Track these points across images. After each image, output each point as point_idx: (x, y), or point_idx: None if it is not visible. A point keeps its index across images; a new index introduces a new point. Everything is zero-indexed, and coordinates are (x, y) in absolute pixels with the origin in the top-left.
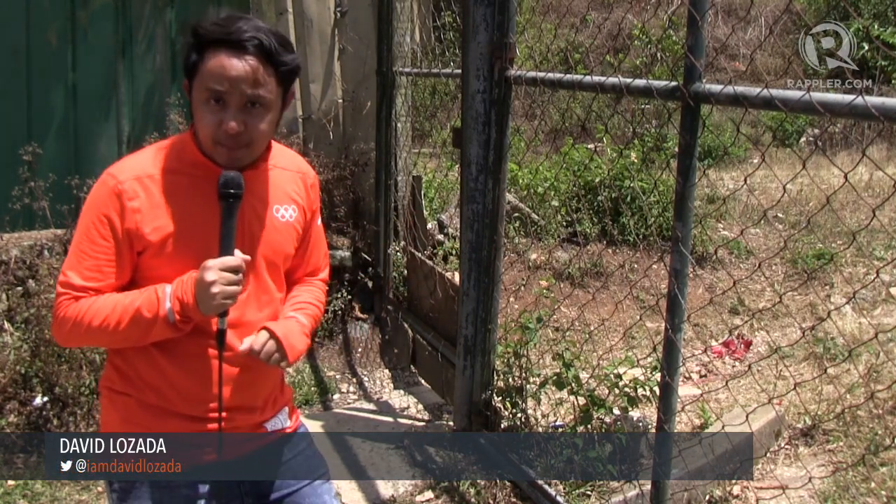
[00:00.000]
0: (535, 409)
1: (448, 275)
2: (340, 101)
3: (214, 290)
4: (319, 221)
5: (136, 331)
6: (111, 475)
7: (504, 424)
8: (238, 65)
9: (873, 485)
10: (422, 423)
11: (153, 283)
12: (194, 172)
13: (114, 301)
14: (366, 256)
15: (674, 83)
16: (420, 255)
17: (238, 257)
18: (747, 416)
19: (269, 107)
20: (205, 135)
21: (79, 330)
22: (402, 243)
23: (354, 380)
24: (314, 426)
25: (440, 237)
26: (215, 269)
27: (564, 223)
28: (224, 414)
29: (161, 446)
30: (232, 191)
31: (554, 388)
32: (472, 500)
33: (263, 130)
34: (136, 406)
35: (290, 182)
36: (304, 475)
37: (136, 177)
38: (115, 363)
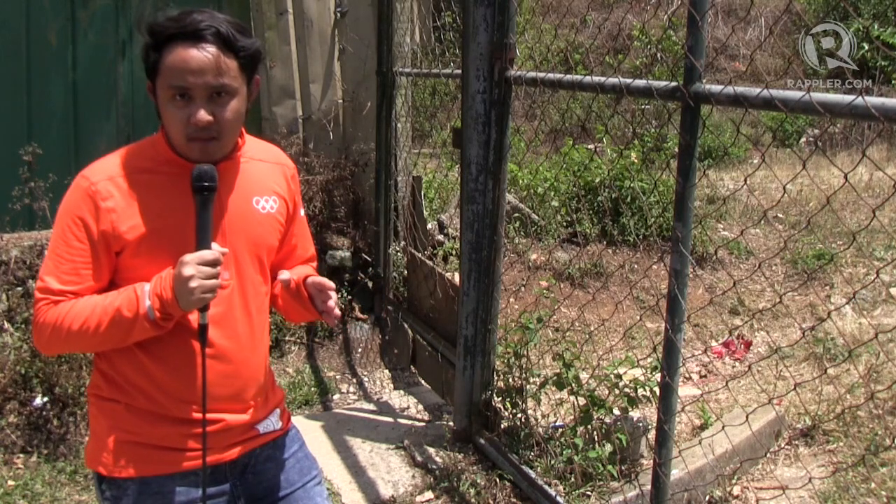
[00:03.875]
0: (535, 410)
1: (448, 275)
2: (340, 101)
3: (193, 284)
4: (303, 212)
5: (118, 332)
6: (103, 478)
7: (504, 425)
8: (198, 55)
9: (873, 485)
10: (422, 424)
11: (133, 284)
12: (168, 171)
13: (93, 303)
14: (366, 257)
15: (674, 83)
16: (420, 255)
17: (215, 250)
18: (747, 417)
19: (234, 94)
20: (176, 133)
21: (59, 335)
22: (403, 243)
23: (354, 380)
24: (314, 426)
25: (440, 237)
26: (192, 264)
27: (564, 223)
28: (212, 415)
29: (151, 449)
30: (206, 183)
31: (554, 389)
32: (472, 500)
33: (232, 119)
34: (124, 412)
35: (269, 173)
36: (296, 478)
37: (109, 177)
38: (101, 369)
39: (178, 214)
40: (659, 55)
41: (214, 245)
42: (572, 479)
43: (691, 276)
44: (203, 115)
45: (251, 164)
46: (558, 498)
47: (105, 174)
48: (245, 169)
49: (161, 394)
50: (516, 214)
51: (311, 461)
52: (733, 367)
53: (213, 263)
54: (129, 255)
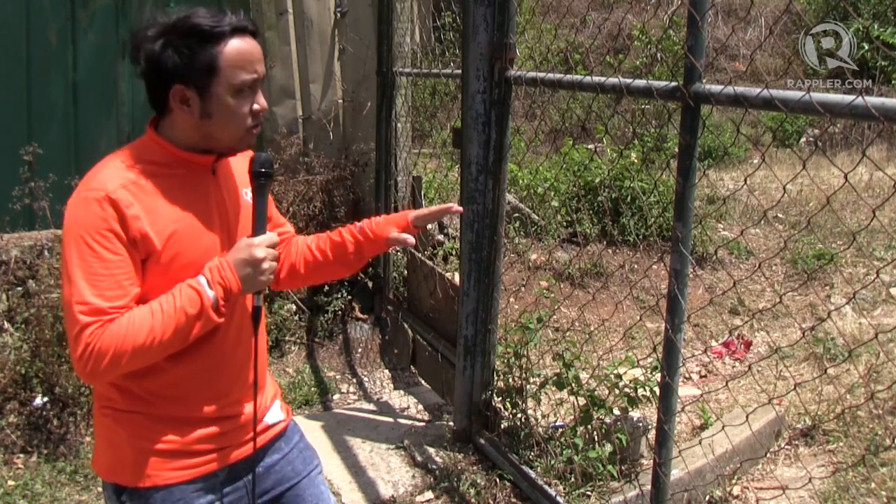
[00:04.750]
0: (535, 410)
1: (448, 275)
2: (340, 101)
3: (265, 265)
4: None
5: (183, 332)
6: (124, 490)
7: (504, 425)
8: (254, 47)
9: (873, 485)
10: (422, 424)
11: (162, 289)
12: (176, 171)
13: (148, 312)
14: None
15: (674, 83)
16: (420, 255)
17: (275, 234)
18: (747, 417)
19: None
20: (237, 126)
21: (122, 356)
22: None
23: (354, 380)
24: (314, 426)
25: (440, 237)
26: (263, 246)
27: (564, 223)
28: (235, 409)
29: (175, 457)
30: (263, 170)
31: (554, 389)
32: (472, 500)
33: None
34: (146, 421)
35: (244, 164)
36: (301, 467)
37: (123, 185)
38: (112, 382)
39: (198, 211)
40: (659, 55)
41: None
42: (572, 479)
43: (691, 276)
44: (265, 101)
45: (235, 156)
46: (558, 498)
47: (117, 183)
48: (230, 161)
49: (185, 396)
50: (516, 214)
51: (311, 451)
52: (733, 367)
53: (276, 246)
54: (156, 259)
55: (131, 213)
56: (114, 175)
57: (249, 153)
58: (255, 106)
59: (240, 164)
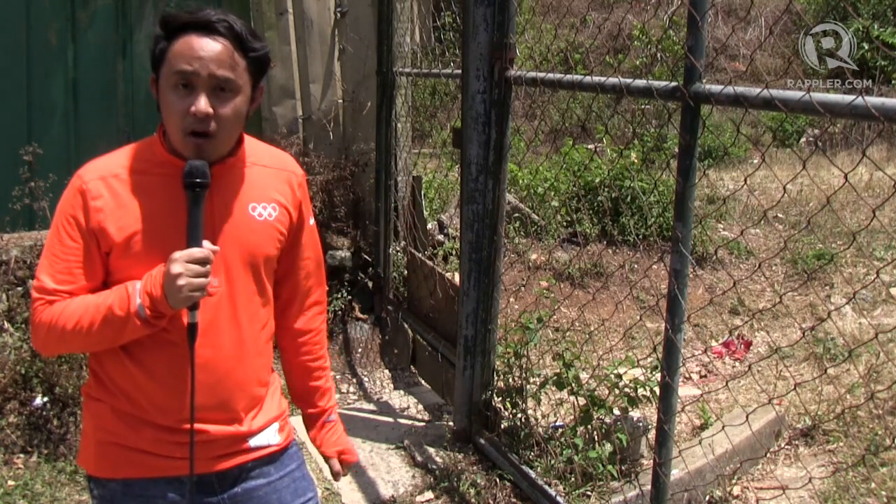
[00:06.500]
0: (535, 410)
1: (448, 275)
2: (340, 101)
3: (181, 282)
4: (312, 221)
5: (110, 330)
6: (91, 477)
7: (504, 425)
8: (208, 44)
9: (873, 485)
10: (422, 424)
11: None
12: (162, 172)
13: (86, 302)
14: (366, 257)
15: (674, 83)
16: (420, 255)
17: (205, 248)
18: (747, 417)
19: (237, 91)
20: (173, 124)
21: (54, 335)
22: (403, 243)
23: (354, 380)
24: None
25: (440, 237)
26: (181, 262)
27: (564, 223)
28: (195, 425)
29: (133, 452)
30: (197, 180)
31: (554, 389)
32: (472, 500)
33: (231, 117)
34: (108, 413)
35: (270, 180)
36: (289, 498)
37: (101, 177)
38: (92, 368)
39: (168, 216)
40: (659, 55)
41: (206, 243)
42: (572, 479)
43: (691, 276)
44: (204, 104)
45: (253, 169)
46: (558, 498)
47: (97, 174)
48: (244, 174)
49: (144, 399)
50: (516, 214)
51: (308, 482)
52: (733, 367)
53: (203, 261)
54: (117, 256)
55: (95, 205)
56: (100, 166)
57: (287, 168)
58: (192, 107)
59: (263, 179)
